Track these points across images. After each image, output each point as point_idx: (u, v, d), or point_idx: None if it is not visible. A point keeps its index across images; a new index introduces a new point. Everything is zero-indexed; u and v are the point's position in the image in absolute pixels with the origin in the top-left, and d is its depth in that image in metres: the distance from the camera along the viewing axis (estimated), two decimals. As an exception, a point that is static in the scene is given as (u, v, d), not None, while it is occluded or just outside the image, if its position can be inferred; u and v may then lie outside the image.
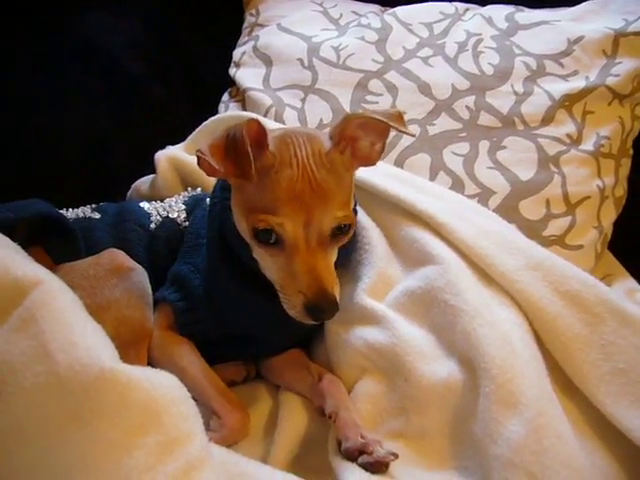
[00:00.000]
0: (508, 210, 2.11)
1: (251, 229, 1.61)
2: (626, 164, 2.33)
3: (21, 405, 1.21)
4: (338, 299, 1.57)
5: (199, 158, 1.56)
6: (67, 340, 1.24)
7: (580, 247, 2.14)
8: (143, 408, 1.24)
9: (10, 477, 1.21)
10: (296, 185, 1.57)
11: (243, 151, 1.51)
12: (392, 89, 2.34)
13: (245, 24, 2.82)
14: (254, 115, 2.22)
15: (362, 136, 1.68)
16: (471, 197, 2.12)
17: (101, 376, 1.21)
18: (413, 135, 1.88)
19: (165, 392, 1.28)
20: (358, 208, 1.87)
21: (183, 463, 1.23)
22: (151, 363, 1.77)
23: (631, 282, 2.20)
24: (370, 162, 1.73)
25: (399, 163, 2.21)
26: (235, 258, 1.77)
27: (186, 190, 2.11)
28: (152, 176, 2.29)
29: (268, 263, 1.64)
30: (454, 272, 1.71)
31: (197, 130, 2.32)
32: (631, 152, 2.36)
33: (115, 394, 1.22)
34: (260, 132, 1.58)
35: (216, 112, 2.59)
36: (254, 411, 1.79)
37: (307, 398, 1.80)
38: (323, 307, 1.54)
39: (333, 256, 1.64)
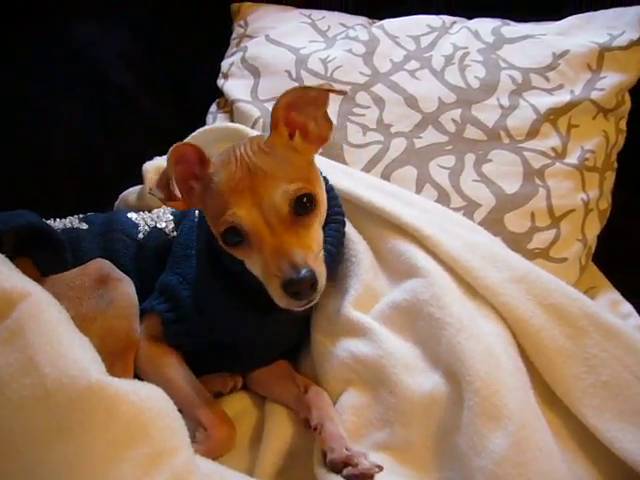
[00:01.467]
0: (493, 223, 2.12)
1: (219, 236, 1.64)
2: (610, 177, 2.34)
3: (8, 417, 1.22)
4: (318, 275, 1.56)
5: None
6: (55, 353, 1.25)
7: (564, 260, 2.15)
8: (130, 421, 1.25)
9: (-4, 488, 1.22)
10: (235, 176, 1.61)
11: (169, 173, 1.62)
12: (379, 102, 2.35)
13: (233, 35, 2.83)
14: (237, 125, 2.26)
15: (301, 116, 1.70)
16: (457, 210, 2.13)
17: (88, 389, 1.22)
18: (345, 93, 1.86)
19: (152, 405, 1.29)
20: (345, 220, 1.88)
21: (169, 476, 1.24)
22: (138, 374, 1.78)
23: (615, 294, 2.21)
24: (323, 139, 1.74)
25: (385, 176, 2.21)
26: (224, 270, 1.78)
27: (174, 201, 2.12)
28: (140, 187, 2.29)
29: (249, 265, 1.65)
30: (439, 285, 1.72)
31: (185, 141, 2.32)
32: (615, 165, 2.37)
33: (102, 407, 1.23)
34: (194, 150, 1.65)
35: (204, 123, 2.60)
36: (240, 423, 1.80)
37: (293, 409, 1.80)
38: (295, 281, 1.53)
39: (310, 234, 1.63)
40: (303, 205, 1.61)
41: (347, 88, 2.38)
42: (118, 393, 1.25)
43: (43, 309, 1.32)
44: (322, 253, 1.65)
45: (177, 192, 1.65)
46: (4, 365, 1.23)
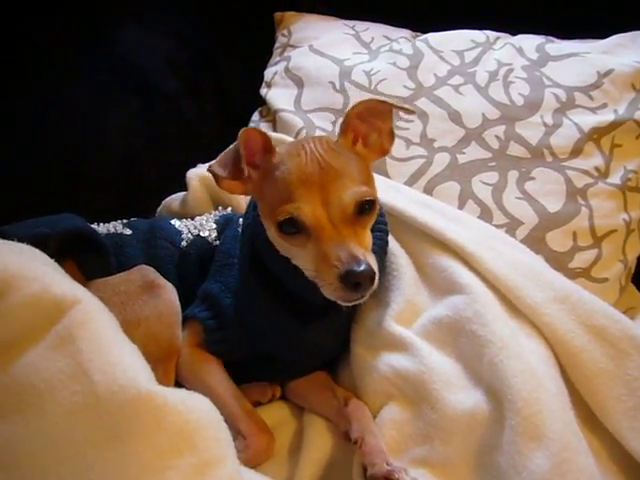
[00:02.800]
0: (535, 241, 2.11)
1: (275, 225, 1.64)
2: (652, 198, 2.33)
3: (58, 423, 1.23)
4: (375, 268, 1.57)
5: (214, 176, 1.67)
6: (105, 360, 1.26)
7: (605, 280, 2.14)
8: (177, 430, 1.26)
9: (44, 495, 1.23)
10: (305, 169, 1.62)
11: (239, 154, 1.63)
12: (423, 116, 2.35)
13: (277, 44, 2.84)
14: (280, 135, 2.27)
15: (366, 126, 1.73)
16: (499, 227, 2.12)
17: (138, 398, 1.23)
18: (413, 112, 1.88)
19: (199, 415, 1.30)
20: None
21: (215, 486, 1.25)
22: (179, 381, 1.79)
23: (653, 316, 2.19)
24: (385, 151, 1.78)
25: (428, 190, 2.21)
26: (268, 278, 1.79)
27: (216, 209, 2.14)
28: (183, 193, 2.31)
29: (300, 255, 1.65)
30: (482, 302, 1.72)
31: (228, 149, 2.33)
32: (657, 186, 2.35)
33: (151, 416, 1.24)
34: (261, 137, 1.67)
35: (246, 131, 2.60)
36: (278, 433, 1.80)
37: (331, 421, 1.81)
38: (357, 272, 1.52)
39: (365, 237, 1.64)
40: (365, 209, 1.62)
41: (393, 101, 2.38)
42: (166, 403, 1.26)
43: (93, 316, 1.33)
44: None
45: (246, 170, 1.66)
46: (55, 371, 1.25)
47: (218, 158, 1.68)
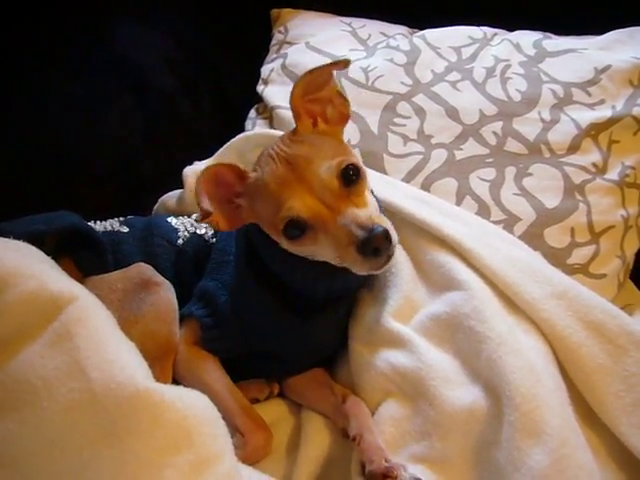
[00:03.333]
0: (533, 237, 2.10)
1: (281, 234, 1.65)
2: (650, 194, 2.33)
3: (55, 420, 1.22)
4: (387, 225, 1.57)
5: (211, 223, 1.72)
6: (102, 358, 1.26)
7: (603, 276, 2.13)
8: (175, 427, 1.26)
9: (40, 493, 1.23)
10: (278, 172, 1.64)
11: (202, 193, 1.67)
12: (420, 112, 2.35)
13: (273, 41, 2.84)
14: (277, 132, 2.26)
15: (316, 103, 1.73)
16: (497, 223, 2.12)
17: (136, 395, 1.23)
18: (348, 62, 1.81)
19: (197, 412, 1.30)
20: None
21: (213, 483, 1.25)
22: (176, 378, 1.79)
23: (651, 312, 2.19)
24: (345, 117, 1.78)
25: (425, 187, 2.21)
26: (264, 275, 1.79)
27: (213, 207, 2.13)
28: (180, 191, 2.31)
29: (318, 251, 1.66)
30: (480, 298, 1.72)
31: (224, 147, 2.33)
32: (655, 182, 2.35)
33: (148, 413, 1.24)
34: (227, 169, 1.70)
35: (243, 128, 2.61)
36: (276, 430, 1.81)
37: (330, 418, 1.81)
38: (371, 238, 1.53)
39: (364, 201, 1.64)
40: (350, 176, 1.62)
41: (389, 98, 2.39)
42: (164, 400, 1.26)
43: (90, 313, 1.33)
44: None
45: (206, 205, 1.67)
46: (52, 368, 1.24)
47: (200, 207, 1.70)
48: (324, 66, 1.72)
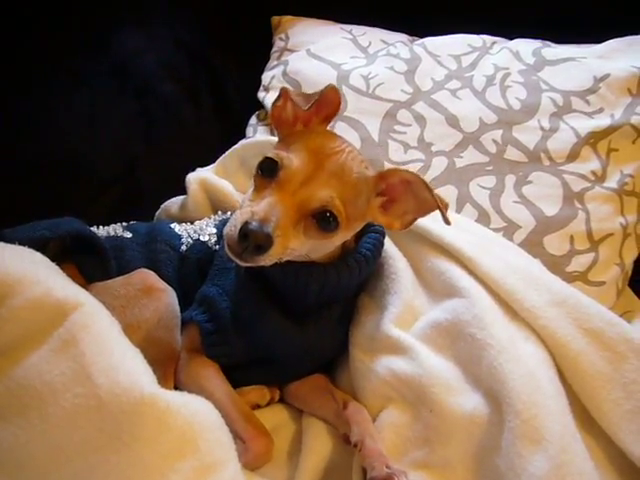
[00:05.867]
0: (533, 245, 2.13)
1: (260, 162, 1.66)
2: (649, 202, 2.34)
3: (60, 425, 1.23)
4: (272, 245, 1.52)
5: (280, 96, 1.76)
6: (108, 364, 1.27)
7: (602, 283, 2.15)
8: (180, 433, 1.27)
9: (45, 498, 1.23)
10: (324, 147, 1.65)
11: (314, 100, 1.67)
12: (420, 120, 2.36)
13: (274, 48, 2.85)
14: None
15: (402, 194, 1.71)
16: (497, 231, 2.14)
17: (141, 401, 1.24)
18: (449, 223, 1.72)
19: (202, 418, 1.31)
20: (385, 237, 1.90)
21: (217, 489, 1.26)
22: (177, 385, 1.79)
23: (650, 319, 2.20)
24: (391, 226, 1.76)
25: (426, 194, 2.22)
26: (263, 281, 1.80)
27: (216, 213, 2.13)
28: (182, 197, 2.31)
29: (249, 193, 1.66)
30: (481, 306, 1.73)
31: (226, 153, 2.34)
32: (654, 190, 2.37)
33: (154, 419, 1.25)
34: (337, 105, 1.75)
35: (244, 135, 2.62)
36: (277, 435, 1.80)
37: (331, 424, 1.81)
38: (251, 227, 1.50)
39: (300, 240, 1.61)
40: (325, 220, 1.60)
41: (389, 105, 2.40)
42: (169, 406, 1.27)
43: (96, 319, 1.34)
44: (284, 258, 1.62)
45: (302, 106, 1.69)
46: (58, 374, 1.25)
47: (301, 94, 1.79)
48: (439, 202, 1.66)
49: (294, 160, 1.60)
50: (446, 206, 1.68)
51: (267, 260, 1.56)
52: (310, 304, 1.81)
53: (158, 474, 1.23)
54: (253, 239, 1.51)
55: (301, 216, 1.59)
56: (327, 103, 1.72)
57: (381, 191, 1.72)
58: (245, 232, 1.51)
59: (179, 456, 1.25)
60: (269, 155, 1.63)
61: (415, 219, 1.73)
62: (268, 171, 1.62)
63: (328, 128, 1.80)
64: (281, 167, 1.60)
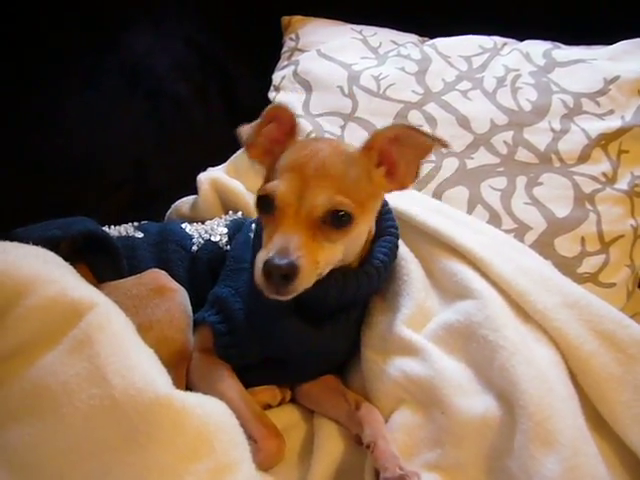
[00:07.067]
0: (544, 246, 2.13)
1: (256, 200, 1.68)
2: (659, 204, 2.34)
3: (75, 426, 1.24)
4: (299, 275, 1.54)
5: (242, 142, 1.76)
6: (123, 364, 1.27)
7: (613, 285, 2.15)
8: (196, 434, 1.27)
9: (61, 498, 1.23)
10: (300, 159, 1.65)
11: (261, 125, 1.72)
12: (431, 121, 2.37)
13: (284, 48, 2.85)
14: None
15: (398, 152, 1.71)
16: (508, 232, 2.14)
17: (156, 401, 1.24)
18: (449, 146, 1.75)
19: (217, 419, 1.31)
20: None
21: (232, 490, 1.26)
22: (188, 385, 1.79)
23: (660, 321, 2.20)
24: (404, 185, 1.76)
25: (437, 195, 2.23)
26: None
27: (227, 213, 2.14)
28: (193, 197, 2.32)
29: (263, 233, 1.67)
30: (493, 307, 1.72)
31: (237, 153, 2.35)
32: (664, 192, 2.36)
33: (169, 420, 1.25)
34: (290, 120, 1.75)
35: (255, 135, 2.61)
36: (289, 436, 1.80)
37: (342, 425, 1.81)
38: (274, 264, 1.52)
39: (324, 249, 1.62)
40: (337, 220, 1.61)
41: (400, 106, 2.41)
42: (185, 407, 1.27)
43: (111, 320, 1.35)
44: (324, 271, 1.65)
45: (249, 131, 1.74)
46: (73, 374, 1.26)
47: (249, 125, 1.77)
48: (433, 138, 1.69)
49: (280, 184, 1.62)
50: (440, 139, 1.69)
51: (304, 283, 1.57)
52: (328, 308, 1.81)
53: (173, 475, 1.23)
54: (276, 272, 1.52)
55: (314, 227, 1.60)
56: (280, 119, 1.74)
57: (378, 161, 1.72)
58: (268, 270, 1.53)
59: (195, 457, 1.25)
60: (259, 194, 1.65)
61: (420, 165, 1.74)
62: (266, 208, 1.64)
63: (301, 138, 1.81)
64: (274, 197, 1.61)
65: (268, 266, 1.53)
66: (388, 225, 1.84)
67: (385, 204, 1.87)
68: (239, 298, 1.85)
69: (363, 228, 1.72)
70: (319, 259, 1.60)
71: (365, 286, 1.78)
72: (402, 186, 1.75)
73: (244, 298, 1.84)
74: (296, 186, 1.61)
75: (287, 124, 1.74)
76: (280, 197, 1.60)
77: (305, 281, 1.57)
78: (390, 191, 1.77)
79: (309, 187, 1.60)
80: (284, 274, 1.53)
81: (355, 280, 1.75)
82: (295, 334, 1.81)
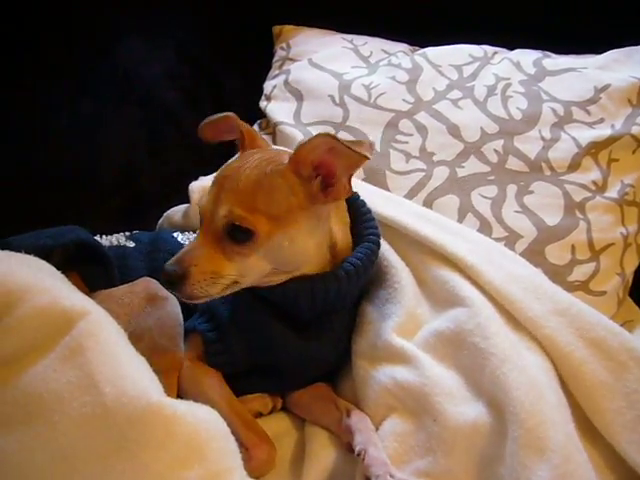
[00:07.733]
0: (534, 254, 2.13)
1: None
2: (649, 212, 2.35)
3: (67, 434, 1.24)
4: (188, 285, 1.63)
5: None
6: (114, 372, 1.28)
7: (603, 293, 2.16)
8: (187, 442, 1.27)
9: (53, 506, 1.23)
10: (224, 171, 1.72)
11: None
12: (422, 130, 2.37)
13: (276, 57, 2.85)
14: (282, 148, 2.26)
15: (333, 164, 1.66)
16: (498, 240, 2.14)
17: (148, 409, 1.24)
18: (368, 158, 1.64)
19: (208, 426, 1.31)
20: (388, 246, 1.91)
21: (224, 498, 1.26)
22: (179, 393, 1.78)
23: (651, 328, 2.20)
24: (339, 198, 1.75)
25: (427, 204, 2.23)
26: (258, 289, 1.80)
27: (218, 222, 2.14)
28: (185, 206, 2.32)
29: None
30: (483, 315, 1.73)
31: (231, 160, 2.34)
32: (655, 200, 2.37)
33: (160, 427, 1.25)
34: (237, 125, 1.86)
35: (246, 144, 2.62)
36: (280, 444, 1.80)
37: (333, 433, 1.81)
38: (166, 268, 1.63)
39: (237, 262, 1.66)
40: (238, 233, 1.64)
41: (391, 115, 2.41)
42: (176, 414, 1.27)
43: (102, 328, 1.35)
44: (243, 281, 1.70)
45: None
46: (64, 382, 1.26)
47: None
48: (361, 152, 1.60)
49: (204, 198, 1.70)
50: (369, 146, 1.68)
51: (197, 291, 1.65)
52: (306, 316, 1.81)
53: (166, 483, 1.23)
54: (164, 277, 1.65)
55: (222, 240, 1.65)
56: (229, 129, 1.85)
57: (314, 173, 1.69)
58: (165, 279, 1.66)
59: (186, 464, 1.25)
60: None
61: (350, 177, 1.70)
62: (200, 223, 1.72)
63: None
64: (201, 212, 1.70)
65: (162, 270, 1.64)
66: (368, 233, 1.85)
67: (367, 212, 1.89)
68: (228, 305, 1.85)
69: (298, 239, 1.71)
70: (218, 270, 1.65)
71: (334, 291, 1.79)
72: (338, 197, 1.73)
73: (233, 306, 1.85)
74: (211, 200, 1.67)
75: (235, 134, 1.85)
76: (201, 210, 1.70)
77: (198, 289, 1.65)
78: (322, 204, 1.72)
79: (218, 199, 1.65)
80: (171, 280, 1.64)
81: (323, 285, 1.76)
82: (279, 340, 1.82)
